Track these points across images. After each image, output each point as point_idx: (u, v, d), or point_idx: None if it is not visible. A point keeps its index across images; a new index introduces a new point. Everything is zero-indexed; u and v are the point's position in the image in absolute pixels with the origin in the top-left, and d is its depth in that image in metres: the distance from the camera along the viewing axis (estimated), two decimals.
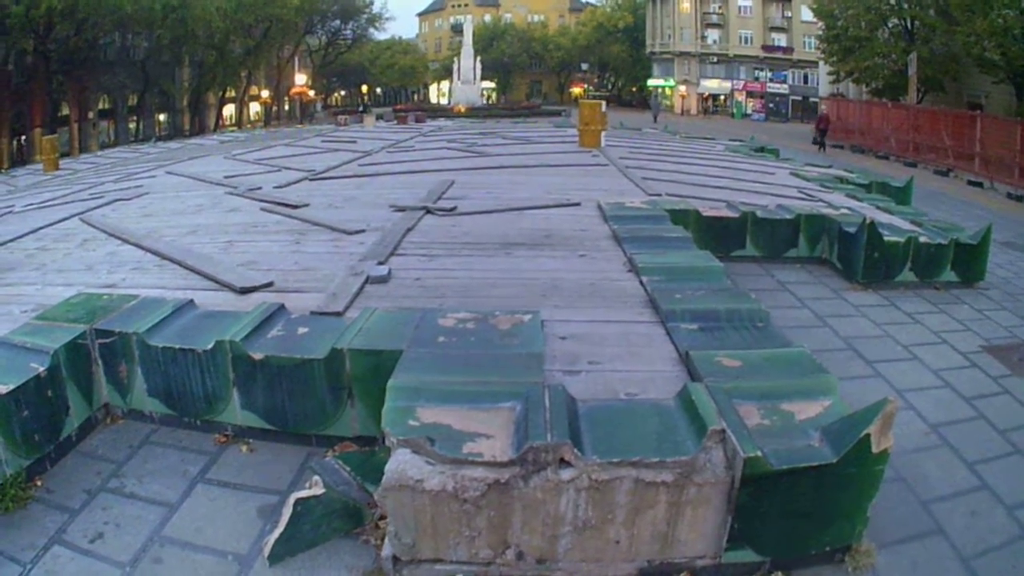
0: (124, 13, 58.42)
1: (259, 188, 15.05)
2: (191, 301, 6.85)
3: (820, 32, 62.86)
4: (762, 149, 25.95)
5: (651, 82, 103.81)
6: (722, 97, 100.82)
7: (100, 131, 67.06)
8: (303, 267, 8.65)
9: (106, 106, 69.60)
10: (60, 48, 58.47)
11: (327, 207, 12.53)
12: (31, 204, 16.52)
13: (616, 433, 4.46)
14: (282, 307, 6.59)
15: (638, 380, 5.37)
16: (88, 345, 6.04)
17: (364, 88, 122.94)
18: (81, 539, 4.91)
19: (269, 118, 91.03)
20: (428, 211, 11.68)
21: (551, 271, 8.35)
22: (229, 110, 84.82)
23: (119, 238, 10.83)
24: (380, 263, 8.50)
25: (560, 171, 17.01)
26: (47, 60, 58.40)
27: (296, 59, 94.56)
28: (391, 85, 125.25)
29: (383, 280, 7.92)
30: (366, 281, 7.83)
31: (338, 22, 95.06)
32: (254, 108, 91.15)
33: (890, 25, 54.25)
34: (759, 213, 11.29)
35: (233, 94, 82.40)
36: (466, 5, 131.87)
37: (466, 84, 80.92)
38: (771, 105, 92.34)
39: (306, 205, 12.74)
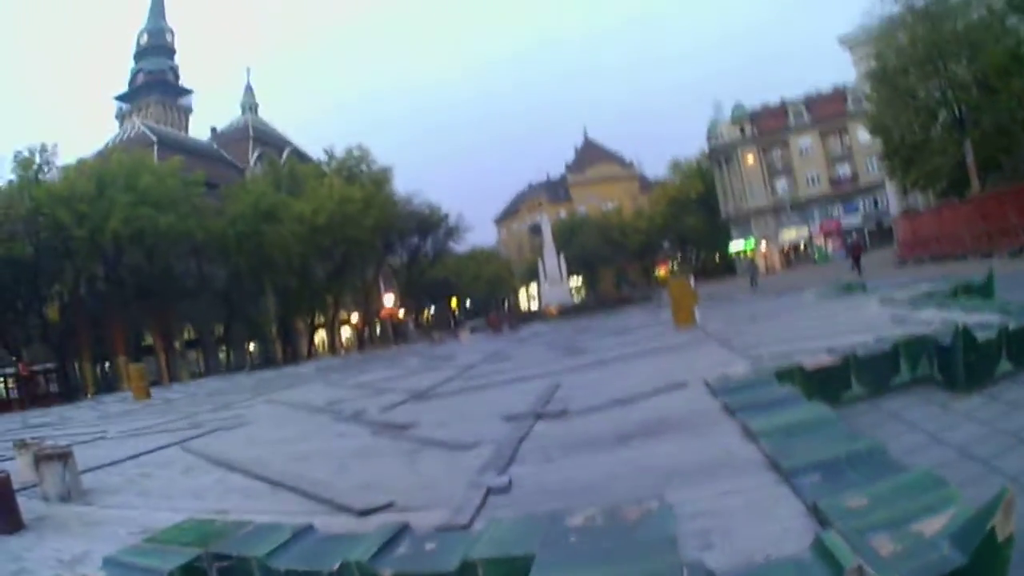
0: (195, 241, 60.24)
1: (364, 412, 15.27)
2: (311, 525, 6.78)
3: (880, 150, 62.93)
4: (849, 287, 25.78)
5: (732, 246, 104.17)
6: (802, 244, 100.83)
7: (189, 360, 68.60)
8: (421, 486, 8.53)
9: (192, 336, 71.37)
10: (134, 275, 60.75)
11: (437, 425, 12.49)
12: (125, 431, 17.06)
13: None
14: (406, 525, 6.48)
15: (772, 540, 5.25)
16: (204, 568, 5.99)
17: (453, 301, 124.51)
18: None
19: (362, 342, 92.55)
20: (539, 417, 11.57)
21: (669, 455, 8.10)
22: (320, 336, 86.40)
23: (225, 466, 11.07)
24: (499, 474, 8.20)
25: (660, 355, 17.14)
26: (122, 287, 60.62)
27: (381, 280, 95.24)
28: (479, 295, 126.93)
29: (504, 490, 7.57)
30: (488, 492, 7.49)
31: (416, 239, 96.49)
32: (345, 333, 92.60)
33: (940, 120, 54.06)
34: (859, 353, 11.17)
35: (322, 320, 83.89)
36: (540, 204, 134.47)
37: (553, 284, 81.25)
38: (848, 241, 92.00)
39: (415, 425, 12.71)
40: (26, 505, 9.37)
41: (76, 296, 58.72)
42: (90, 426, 22.23)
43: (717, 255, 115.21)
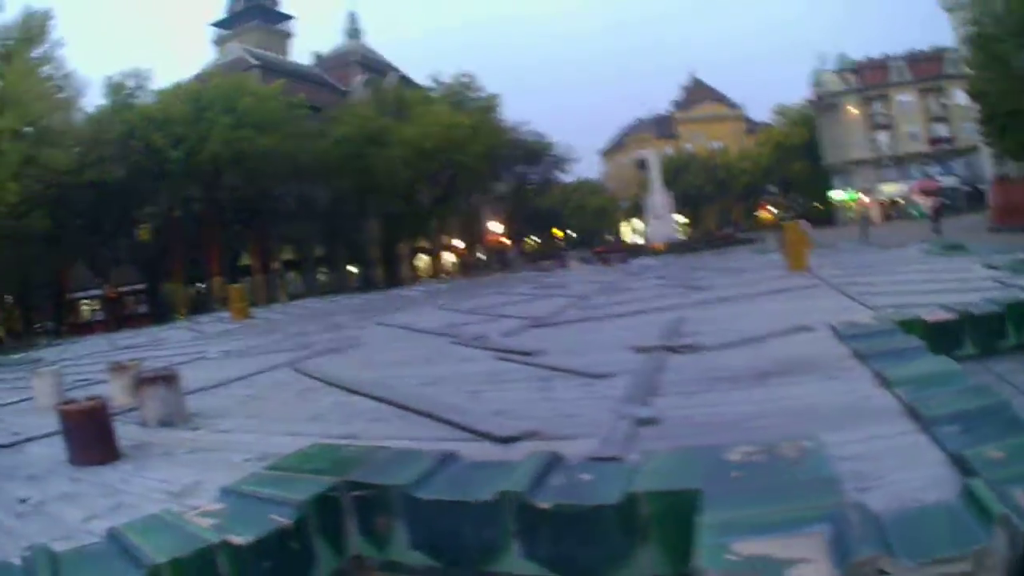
0: (297, 163, 60.40)
1: (485, 336, 15.08)
2: (453, 453, 6.40)
3: (978, 115, 61.55)
4: (953, 246, 25.48)
5: (834, 195, 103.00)
6: (901, 200, 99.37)
7: (288, 281, 69.13)
8: (561, 414, 8.30)
9: (291, 257, 71.87)
10: (233, 197, 61.34)
11: (565, 353, 12.23)
12: (227, 351, 17.13)
13: (918, 537, 4.30)
14: (558, 455, 6.08)
15: (920, 486, 5.30)
16: (339, 498, 5.63)
17: (558, 232, 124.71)
18: None
19: (465, 267, 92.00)
20: (670, 350, 11.18)
21: (808, 396, 8.02)
22: (423, 260, 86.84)
23: (344, 388, 10.77)
24: (642, 405, 8.07)
25: (778, 297, 17.09)
26: (220, 209, 61.43)
27: (486, 207, 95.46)
28: (583, 226, 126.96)
29: (652, 421, 7.49)
30: (636, 423, 7.39)
31: (523, 167, 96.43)
32: (448, 258, 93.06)
33: None
34: (973, 311, 11.18)
35: (425, 244, 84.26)
36: (647, 139, 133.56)
37: (659, 220, 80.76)
38: (946, 201, 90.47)
39: (543, 352, 12.44)
40: (122, 431, 9.14)
41: (169, 218, 59.36)
42: (186, 347, 22.47)
43: (818, 203, 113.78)
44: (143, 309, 65.96)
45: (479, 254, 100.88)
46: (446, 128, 67.07)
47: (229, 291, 34.83)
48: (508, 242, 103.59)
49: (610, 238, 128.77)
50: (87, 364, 21.38)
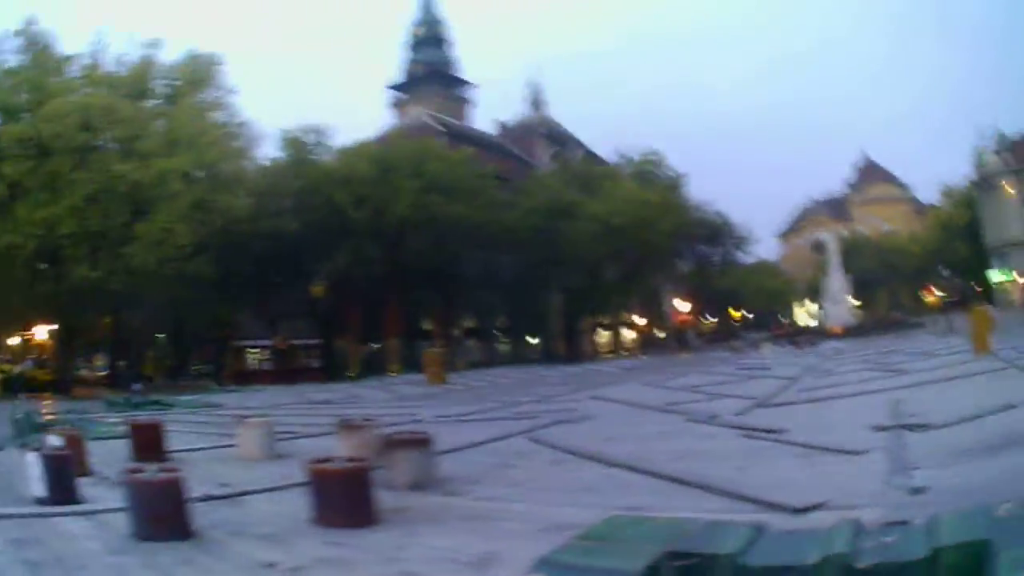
0: (487, 232, 60.90)
1: (716, 415, 15.19)
2: (762, 523, 6.73)
3: None
4: None
5: (991, 275, 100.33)
6: None
7: (467, 348, 69.57)
8: (833, 486, 8.63)
9: (471, 325, 72.58)
10: (416, 260, 60.61)
11: (809, 431, 12.53)
12: (441, 416, 17.22)
13: None
14: (859, 521, 6.38)
15: None
16: (660, 568, 5.96)
17: (735, 312, 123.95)
18: None
19: (645, 345, 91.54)
20: (907, 428, 11.41)
21: None
22: (602, 335, 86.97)
23: (600, 460, 10.92)
24: (907, 477, 8.54)
25: (975, 379, 17.84)
26: (402, 271, 61.13)
27: (666, 285, 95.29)
28: (758, 307, 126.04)
29: (922, 490, 8.08)
30: (909, 492, 8.05)
31: (705, 246, 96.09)
32: (627, 334, 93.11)
33: None
34: None
35: (607, 320, 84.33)
36: (821, 221, 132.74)
37: (836, 303, 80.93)
38: None
39: (786, 430, 12.69)
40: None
41: (345, 275, 60.00)
42: (390, 407, 22.43)
43: (976, 284, 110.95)
44: (315, 363, 66.55)
45: (658, 332, 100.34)
46: (635, 205, 67.18)
47: (425, 355, 35.35)
48: (692, 321, 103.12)
49: (784, 320, 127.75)
50: (283, 415, 21.32)
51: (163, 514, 7.83)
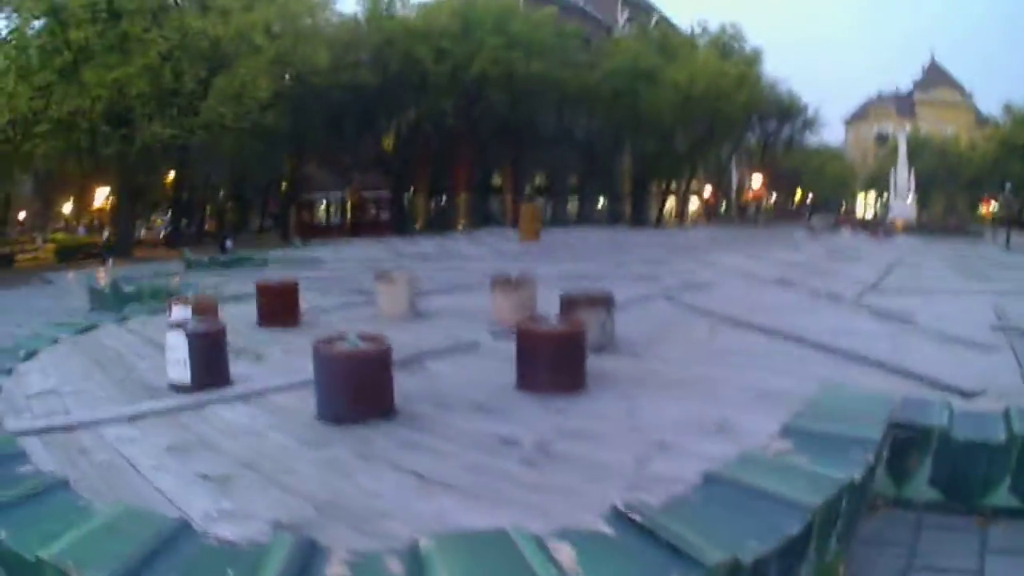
0: (566, 91, 60.78)
1: (838, 295, 15.61)
2: (949, 403, 7.30)
3: None
4: None
5: None
6: None
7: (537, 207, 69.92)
8: (983, 376, 8.74)
9: (542, 183, 72.82)
10: (491, 116, 61.51)
11: (933, 321, 12.56)
12: (563, 273, 17.27)
13: None
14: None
15: None
16: (887, 437, 6.48)
17: (799, 193, 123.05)
18: None
19: (709, 216, 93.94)
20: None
21: None
22: (669, 202, 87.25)
23: (760, 330, 11.16)
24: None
25: None
26: (475, 127, 61.78)
27: (733, 158, 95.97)
28: (820, 192, 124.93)
29: None
30: None
31: (774, 124, 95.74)
32: (692, 203, 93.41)
33: None
34: None
35: (675, 187, 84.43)
36: (887, 114, 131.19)
37: (901, 199, 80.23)
38: None
39: (914, 317, 12.92)
40: None
41: (417, 129, 59.96)
42: (496, 263, 21.91)
43: None
44: (384, 216, 67.18)
45: (722, 204, 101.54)
46: (713, 75, 67.42)
47: (522, 210, 35.37)
48: (760, 197, 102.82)
49: (844, 207, 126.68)
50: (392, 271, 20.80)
51: (364, 391, 7.23)
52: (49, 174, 52.97)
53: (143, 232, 59.45)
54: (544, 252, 25.59)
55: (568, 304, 9.71)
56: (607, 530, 4.16)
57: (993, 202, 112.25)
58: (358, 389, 7.17)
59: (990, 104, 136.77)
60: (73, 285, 26.12)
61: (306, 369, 7.76)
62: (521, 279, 12.08)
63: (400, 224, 60.35)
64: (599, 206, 78.35)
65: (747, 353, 9.60)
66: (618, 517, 4.19)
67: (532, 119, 62.04)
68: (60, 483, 4.93)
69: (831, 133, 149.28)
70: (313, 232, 60.18)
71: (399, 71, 55.15)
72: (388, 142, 62.07)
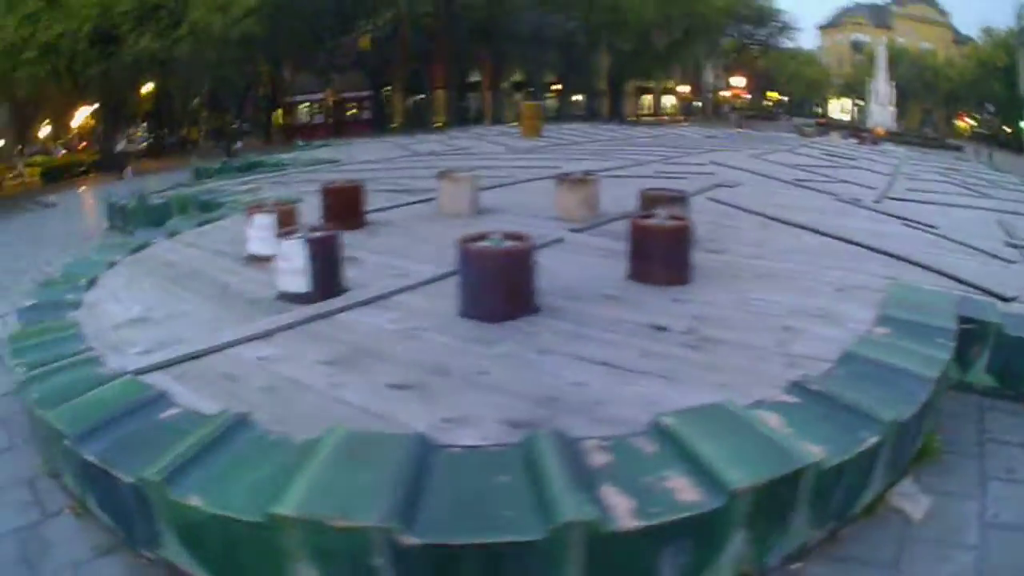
0: None
1: (860, 200, 15.75)
2: (995, 304, 7.95)
3: None
4: None
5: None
6: None
7: (514, 102, 69.86)
8: (1011, 284, 9.06)
9: (519, 79, 73.17)
10: (467, 14, 61.65)
11: (952, 231, 12.78)
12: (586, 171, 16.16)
13: None
14: None
15: None
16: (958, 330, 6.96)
17: (774, 95, 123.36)
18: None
19: (687, 113, 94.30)
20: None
21: None
22: (646, 100, 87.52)
23: (812, 230, 11.45)
24: None
25: None
26: (453, 25, 61.78)
27: (708, 58, 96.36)
28: (794, 95, 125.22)
29: None
30: None
31: (750, 27, 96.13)
32: (667, 101, 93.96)
33: None
34: None
35: (650, 85, 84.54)
36: (861, 23, 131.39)
37: (881, 107, 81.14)
38: None
39: (937, 226, 13.18)
40: None
41: (394, 28, 59.96)
42: (513, 160, 21.92)
43: (1011, 129, 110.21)
44: (364, 115, 67.75)
45: (696, 102, 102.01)
46: None
47: (523, 107, 35.37)
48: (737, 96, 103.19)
49: (819, 111, 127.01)
50: (411, 169, 20.77)
51: (516, 287, 7.34)
52: (28, 100, 51.92)
53: (124, 145, 59.20)
54: (552, 149, 25.33)
55: (649, 201, 10.12)
56: (793, 399, 5.05)
57: (967, 118, 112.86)
58: (511, 286, 7.31)
59: (966, 26, 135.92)
60: (77, 205, 26.13)
61: (411, 269, 8.17)
62: (585, 178, 12.26)
63: (380, 123, 61.18)
64: (577, 102, 78.53)
65: (806, 251, 10.02)
66: (799, 389, 5.20)
67: (510, 17, 61.88)
68: (239, 421, 4.82)
69: (805, 38, 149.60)
70: (298, 133, 60.34)
71: None
72: (365, 42, 61.71)
